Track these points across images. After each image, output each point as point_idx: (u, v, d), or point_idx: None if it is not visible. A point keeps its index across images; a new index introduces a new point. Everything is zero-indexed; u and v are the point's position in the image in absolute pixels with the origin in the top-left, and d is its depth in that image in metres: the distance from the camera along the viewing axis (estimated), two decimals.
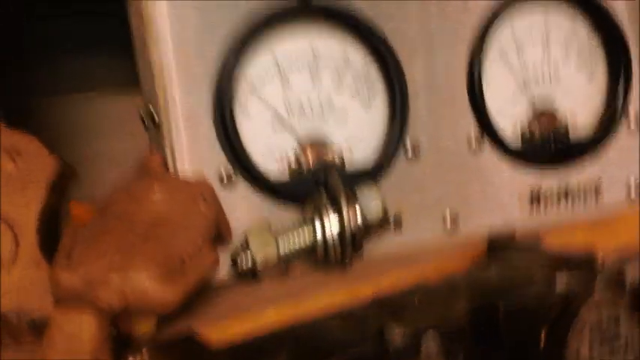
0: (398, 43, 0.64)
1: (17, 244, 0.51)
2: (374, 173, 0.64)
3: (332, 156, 0.64)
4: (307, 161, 0.64)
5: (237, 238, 0.60)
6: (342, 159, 0.65)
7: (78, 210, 0.54)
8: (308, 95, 0.64)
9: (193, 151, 0.60)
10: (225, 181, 0.60)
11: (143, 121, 0.68)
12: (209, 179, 0.59)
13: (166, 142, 0.58)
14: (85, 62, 0.95)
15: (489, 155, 0.67)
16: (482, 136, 0.67)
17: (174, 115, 0.59)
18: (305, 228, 0.58)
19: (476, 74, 0.66)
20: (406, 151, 0.65)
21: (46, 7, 0.93)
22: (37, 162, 0.55)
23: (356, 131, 0.65)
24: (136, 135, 0.87)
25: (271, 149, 0.63)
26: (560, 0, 0.69)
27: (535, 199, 0.67)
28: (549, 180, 0.68)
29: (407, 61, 0.65)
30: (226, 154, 0.61)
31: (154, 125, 0.62)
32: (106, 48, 0.94)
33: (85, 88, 0.96)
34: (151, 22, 0.56)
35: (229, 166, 0.61)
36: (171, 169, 0.58)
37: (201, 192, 0.53)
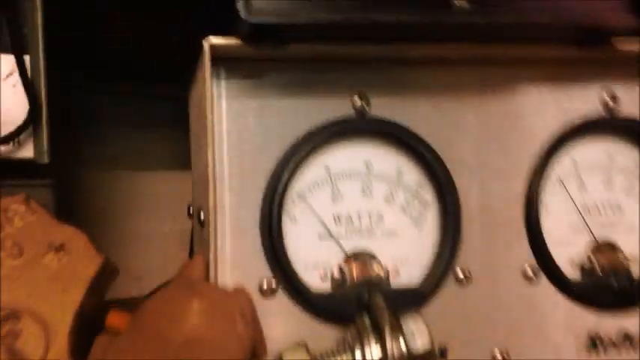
0: (454, 165, 0.63)
1: (47, 348, 0.49)
2: (420, 296, 0.61)
3: (377, 272, 0.62)
4: (351, 275, 0.61)
5: (272, 353, 0.57)
6: (387, 276, 0.62)
7: (114, 318, 0.52)
8: (358, 208, 0.62)
9: (236, 259, 0.58)
10: (266, 292, 0.58)
11: (189, 211, 0.67)
12: (249, 289, 0.57)
13: (210, 246, 0.56)
14: (137, 140, 0.96)
15: (545, 289, 0.63)
16: (538, 268, 0.63)
17: (222, 221, 0.58)
18: (344, 354, 0.55)
19: (534, 203, 0.64)
20: (456, 277, 0.62)
21: (106, 84, 0.95)
22: (81, 260, 0.54)
23: (404, 249, 0.63)
24: (176, 218, 0.86)
25: (315, 260, 0.61)
26: (622, 134, 0.66)
27: (593, 342, 0.63)
28: (610, 322, 0.64)
29: (462, 184, 0.63)
30: (269, 264, 0.59)
31: (199, 223, 0.61)
32: (159, 128, 0.95)
33: (133, 165, 0.96)
34: (209, 120, 0.56)
35: (271, 277, 0.59)
36: (212, 275, 0.56)
37: (241, 308, 0.51)
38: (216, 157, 0.58)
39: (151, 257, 0.96)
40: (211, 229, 0.56)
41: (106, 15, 0.72)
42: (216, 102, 0.58)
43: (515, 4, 0.54)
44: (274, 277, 0.59)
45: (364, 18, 0.49)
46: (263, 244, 0.59)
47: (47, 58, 0.59)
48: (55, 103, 0.61)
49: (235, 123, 0.59)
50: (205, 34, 0.55)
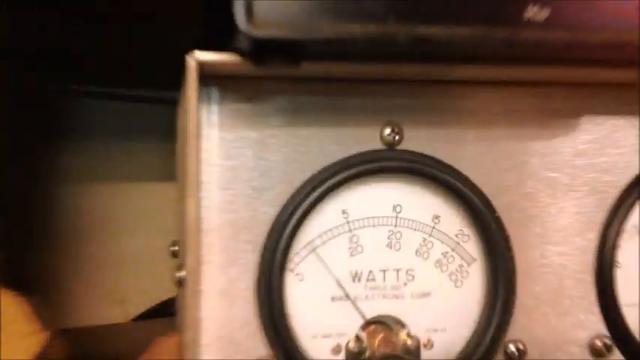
0: (507, 212, 0.49)
1: None
2: None
3: (405, 343, 0.49)
4: (372, 348, 0.48)
5: None
6: (418, 349, 0.49)
7: None
8: (382, 263, 0.49)
9: (225, 333, 0.45)
10: None
11: (172, 252, 0.54)
12: None
13: (189, 318, 0.43)
14: (121, 149, 0.83)
15: None
16: (611, 342, 0.50)
17: (207, 283, 0.45)
18: None
19: (608, 258, 0.50)
20: (506, 352, 0.49)
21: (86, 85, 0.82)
22: (20, 340, 0.41)
23: (440, 315, 0.50)
24: (165, 234, 0.73)
25: (326, 329, 0.48)
26: None
27: None
28: None
29: (517, 236, 0.49)
30: (267, 338, 0.46)
31: (179, 282, 0.48)
32: (146, 135, 0.82)
33: (117, 177, 0.84)
34: (192, 159, 0.43)
35: (269, 355, 0.46)
36: (189, 357, 0.44)
37: None
38: (204, 202, 0.44)
39: (137, 278, 0.84)
40: (191, 296, 0.43)
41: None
42: (206, 131, 0.45)
43: (598, 20, 0.39)
44: (274, 354, 0.46)
45: (409, 33, 0.35)
46: (259, 311, 0.46)
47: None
48: None
49: (229, 159, 0.45)
50: (193, 44, 0.41)
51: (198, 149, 0.43)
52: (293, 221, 0.46)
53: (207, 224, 0.45)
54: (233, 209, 0.45)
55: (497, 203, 0.49)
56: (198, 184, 0.43)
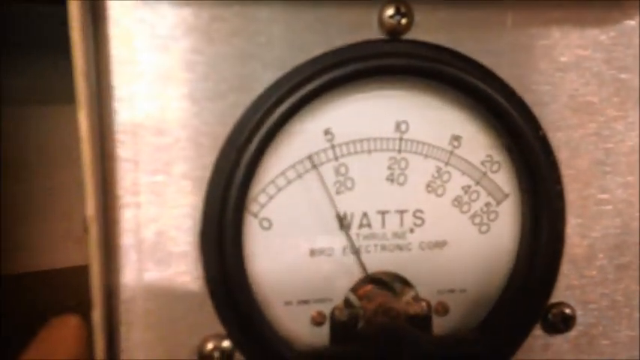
0: (558, 135, 0.35)
1: None
2: (484, 351, 0.35)
3: (412, 310, 0.36)
4: (367, 315, 0.36)
5: None
6: (429, 316, 0.37)
7: None
8: (380, 202, 0.35)
9: (156, 305, 0.32)
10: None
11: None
12: None
13: (96, 284, 0.30)
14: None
15: None
16: None
17: (128, 238, 0.31)
18: None
19: None
20: (548, 320, 0.36)
21: None
22: None
23: (457, 272, 0.37)
24: None
25: (304, 293, 0.35)
26: None
27: None
28: None
29: (570, 165, 0.35)
30: (218, 310, 0.33)
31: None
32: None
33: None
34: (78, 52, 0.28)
35: (222, 333, 0.33)
36: (98, 340, 0.31)
37: None
38: (117, 119, 0.30)
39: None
40: (96, 254, 0.29)
41: None
42: (113, 12, 0.30)
43: None
44: (227, 331, 0.33)
45: None
46: (206, 272, 0.32)
47: None
48: None
49: (153, 53, 0.30)
50: None
51: (82, 33, 0.28)
52: (253, 146, 0.32)
53: (124, 151, 0.30)
54: (162, 129, 0.31)
55: (542, 117, 0.35)
56: (89, 89, 0.28)
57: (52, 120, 0.71)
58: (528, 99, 0.35)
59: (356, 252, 0.36)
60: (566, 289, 0.36)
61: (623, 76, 0.35)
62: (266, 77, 0.32)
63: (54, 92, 0.70)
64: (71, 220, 0.73)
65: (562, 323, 0.37)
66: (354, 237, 0.36)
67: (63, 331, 0.29)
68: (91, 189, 0.28)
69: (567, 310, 0.37)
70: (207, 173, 0.32)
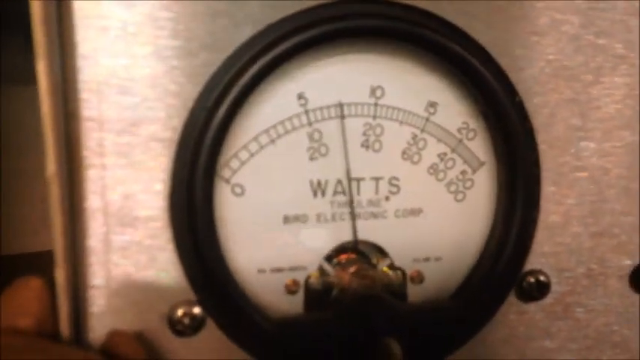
0: (534, 101, 0.34)
1: None
2: (459, 319, 0.35)
3: (385, 280, 0.35)
4: (341, 284, 0.35)
5: None
6: (404, 285, 0.37)
7: None
8: (355, 169, 0.34)
9: (123, 274, 0.31)
10: (182, 325, 0.32)
11: None
12: (151, 324, 0.31)
13: (59, 245, 0.29)
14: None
15: None
16: None
17: (94, 200, 0.30)
18: None
19: None
20: (523, 287, 0.36)
21: None
22: None
23: (433, 240, 0.37)
24: None
25: (276, 260, 0.35)
26: None
27: None
28: None
29: (545, 132, 0.35)
30: (189, 276, 0.32)
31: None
32: None
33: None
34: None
35: (192, 299, 0.32)
36: (63, 311, 0.30)
37: None
38: (80, 77, 0.29)
39: None
40: (55, 208, 0.28)
41: None
42: None
43: None
44: (198, 298, 0.32)
45: None
46: (176, 238, 0.31)
47: None
48: None
49: (116, 8, 0.29)
50: None
51: None
52: (223, 108, 0.31)
53: (88, 110, 0.29)
54: (128, 88, 0.30)
55: (519, 82, 0.35)
56: (48, 39, 0.27)
57: (26, 100, 0.70)
58: (504, 63, 0.34)
59: (331, 219, 0.35)
60: (541, 257, 0.36)
61: (600, 41, 0.35)
62: (238, 35, 0.31)
63: (26, 72, 0.68)
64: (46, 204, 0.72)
65: (537, 291, 0.36)
66: (328, 204, 0.35)
67: (25, 292, 0.28)
68: (52, 147, 0.27)
69: (542, 278, 0.36)
70: (176, 135, 0.31)
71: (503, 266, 0.36)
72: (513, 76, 0.35)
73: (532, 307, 0.37)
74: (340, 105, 0.35)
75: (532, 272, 0.36)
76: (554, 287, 0.37)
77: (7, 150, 0.69)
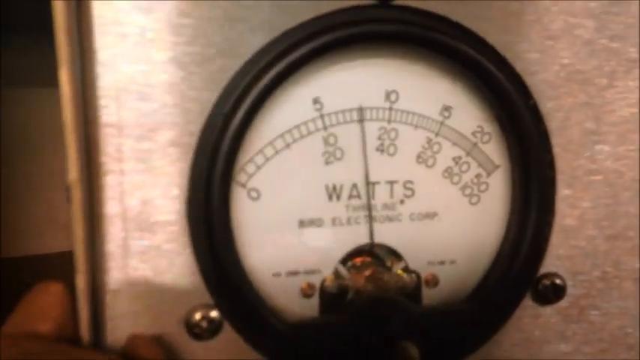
0: (549, 105, 0.34)
1: None
2: (474, 322, 0.35)
3: (400, 283, 0.36)
4: (356, 288, 0.36)
5: None
6: (419, 288, 0.36)
7: None
8: (370, 173, 0.34)
9: (141, 276, 0.31)
10: (200, 329, 0.32)
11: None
12: (170, 329, 0.31)
13: (80, 250, 0.30)
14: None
15: None
16: None
17: (113, 206, 0.30)
18: None
19: None
20: (538, 292, 0.36)
21: None
22: None
23: (447, 243, 0.37)
24: None
25: (292, 264, 0.35)
26: None
27: None
28: None
29: (560, 135, 0.35)
30: (206, 281, 0.32)
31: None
32: None
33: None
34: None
35: (210, 303, 0.32)
36: (83, 315, 0.30)
37: None
38: (100, 83, 0.29)
39: None
40: (77, 214, 0.29)
41: None
42: None
43: None
44: (215, 302, 0.32)
45: None
46: (193, 243, 0.32)
47: None
48: None
49: (135, 15, 0.30)
50: None
51: None
52: (240, 113, 0.32)
53: (107, 116, 0.30)
54: (147, 94, 0.30)
55: (533, 86, 0.35)
56: (71, 47, 0.28)
57: (29, 103, 0.70)
58: (519, 67, 0.34)
59: (346, 223, 0.35)
60: (556, 260, 0.36)
61: (614, 44, 0.35)
62: (254, 41, 0.31)
63: (40, 75, 0.68)
64: (58, 204, 0.72)
65: (552, 294, 0.37)
66: (343, 208, 0.35)
67: (46, 297, 0.28)
68: (74, 153, 0.27)
69: (557, 281, 0.36)
70: (193, 140, 0.31)
71: (518, 269, 0.36)
72: (527, 80, 0.35)
73: (547, 310, 0.37)
74: (355, 109, 0.35)
75: (547, 275, 0.36)
76: (570, 290, 0.37)
77: (10, 152, 0.69)
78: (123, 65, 0.30)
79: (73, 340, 0.30)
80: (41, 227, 0.74)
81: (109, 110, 0.30)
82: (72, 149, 0.27)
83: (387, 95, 0.35)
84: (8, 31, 0.66)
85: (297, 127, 0.34)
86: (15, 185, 0.72)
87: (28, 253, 0.73)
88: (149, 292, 0.31)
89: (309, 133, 0.34)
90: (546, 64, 0.35)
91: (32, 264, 0.71)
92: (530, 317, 0.36)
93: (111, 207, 0.30)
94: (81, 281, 0.29)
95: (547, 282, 0.36)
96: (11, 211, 0.73)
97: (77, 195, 0.28)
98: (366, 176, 0.35)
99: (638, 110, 0.36)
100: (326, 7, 0.32)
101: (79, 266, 0.29)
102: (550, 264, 0.36)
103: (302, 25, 0.32)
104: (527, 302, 0.36)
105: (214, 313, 0.32)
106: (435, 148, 0.36)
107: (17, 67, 0.66)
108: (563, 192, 0.36)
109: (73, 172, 0.27)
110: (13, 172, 0.71)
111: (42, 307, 0.28)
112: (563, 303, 0.37)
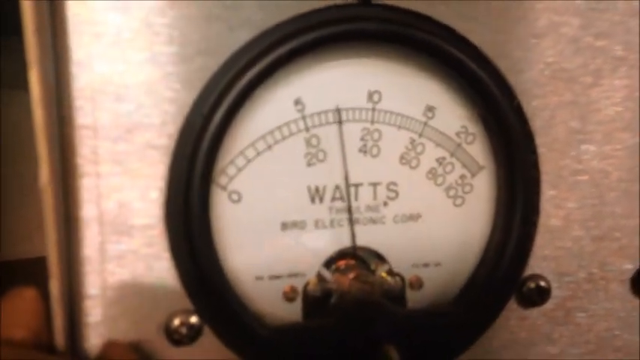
0: (533, 104, 0.34)
1: None
2: (460, 325, 0.35)
3: (384, 286, 0.35)
4: (340, 290, 0.35)
5: None
6: (402, 293, 0.36)
7: None
8: (353, 174, 0.34)
9: (119, 282, 0.31)
10: (179, 334, 0.31)
11: None
12: (148, 336, 0.30)
13: (53, 255, 0.29)
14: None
15: None
16: None
17: (89, 209, 0.30)
18: None
19: None
20: (523, 293, 0.36)
21: None
22: None
23: (432, 245, 0.37)
24: None
25: (275, 267, 0.34)
26: None
27: None
28: None
29: (545, 135, 0.34)
30: (186, 285, 0.32)
31: None
32: None
33: None
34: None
35: (190, 308, 0.32)
36: (57, 323, 0.29)
37: None
38: (74, 84, 0.29)
39: None
40: (48, 217, 0.28)
41: None
42: None
43: None
44: (195, 307, 0.31)
45: None
46: (172, 247, 0.31)
47: None
48: None
49: (110, 13, 0.29)
50: None
51: None
52: (219, 114, 0.31)
53: (83, 118, 0.29)
54: (123, 95, 0.30)
55: (518, 85, 0.34)
56: (41, 47, 0.27)
57: (24, 105, 0.69)
58: (503, 66, 0.34)
59: (329, 225, 0.35)
60: (541, 261, 0.36)
61: (599, 42, 0.35)
62: (233, 40, 0.31)
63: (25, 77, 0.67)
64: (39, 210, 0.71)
65: (537, 296, 0.36)
66: (326, 210, 0.35)
67: (19, 303, 0.28)
68: (45, 156, 0.27)
69: (542, 283, 0.36)
70: (172, 142, 0.31)
71: (503, 271, 0.35)
72: (512, 79, 0.34)
73: (533, 312, 0.36)
74: (338, 110, 0.34)
75: (532, 277, 0.36)
76: (555, 292, 0.36)
77: (3, 155, 0.68)
78: (99, 65, 0.29)
79: (49, 347, 0.29)
80: (32, 231, 0.73)
81: (85, 111, 0.29)
82: (43, 152, 0.27)
83: (370, 95, 0.34)
84: (7, 32, 0.65)
85: (279, 128, 0.33)
86: (7, 188, 0.71)
87: (21, 256, 0.72)
88: (127, 298, 0.31)
89: (291, 134, 0.34)
90: (531, 62, 0.34)
91: (24, 268, 0.71)
92: (516, 320, 0.36)
93: (87, 210, 0.30)
94: (55, 287, 0.28)
95: (532, 284, 0.36)
96: (4, 214, 0.72)
97: (49, 199, 0.27)
98: (348, 178, 0.34)
99: (623, 109, 0.36)
100: (306, 6, 0.31)
101: (52, 271, 0.28)
102: (535, 265, 0.36)
103: (282, 24, 0.31)
104: (513, 304, 0.36)
105: (194, 319, 0.32)
106: (419, 149, 0.35)
107: (15, 68, 0.65)
108: (548, 192, 0.36)
109: (45, 175, 0.27)
110: (6, 174, 0.70)
111: (16, 314, 0.27)
112: (549, 305, 0.36)
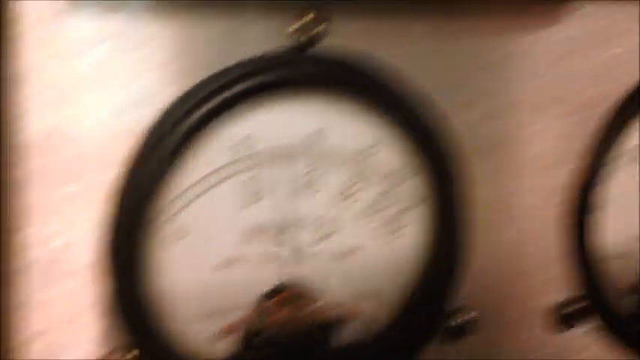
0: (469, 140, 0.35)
1: None
2: (394, 354, 0.37)
3: (321, 319, 0.36)
4: (277, 324, 0.35)
5: None
6: (339, 323, 0.37)
7: None
8: (292, 212, 0.35)
9: (58, 322, 0.31)
10: None
11: None
12: None
13: None
14: None
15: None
16: (587, 306, 0.39)
17: (34, 255, 0.30)
18: None
19: (587, 203, 0.38)
20: (451, 323, 0.37)
21: None
22: None
23: (369, 277, 0.38)
24: None
25: (213, 304, 0.35)
26: None
27: None
28: None
29: (478, 170, 0.36)
30: (126, 323, 0.32)
31: None
32: None
33: None
34: None
35: (130, 346, 0.32)
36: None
37: None
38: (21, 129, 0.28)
39: None
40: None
41: None
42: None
43: None
44: (134, 343, 0.32)
45: None
46: (113, 283, 0.31)
47: None
48: None
49: (64, 59, 0.29)
50: None
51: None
52: (162, 159, 0.31)
53: (28, 162, 0.29)
54: (69, 140, 0.29)
55: (456, 122, 0.36)
56: None
57: None
58: (444, 105, 0.35)
59: (268, 261, 0.36)
60: (468, 294, 0.38)
61: (534, 82, 0.36)
62: (175, 88, 0.31)
63: None
64: None
65: (464, 327, 0.38)
66: (266, 246, 0.35)
67: None
68: None
69: (469, 315, 0.38)
70: (116, 184, 0.31)
71: (432, 302, 0.37)
72: (451, 117, 0.35)
73: (461, 342, 0.38)
74: (282, 147, 0.35)
75: (460, 310, 0.38)
76: (481, 325, 0.38)
77: None
78: (44, 112, 0.29)
79: None
80: None
81: (31, 156, 0.29)
82: None
83: (314, 133, 0.35)
84: None
85: (223, 167, 0.34)
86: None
87: None
88: (65, 338, 0.31)
89: (235, 173, 0.34)
90: (469, 100, 0.36)
91: None
92: (444, 350, 0.38)
93: (30, 251, 0.29)
94: None
95: (459, 316, 0.38)
96: None
97: None
98: (289, 215, 0.35)
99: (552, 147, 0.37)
100: (245, 54, 0.32)
101: None
102: (463, 298, 0.38)
103: (224, 72, 0.31)
104: (441, 335, 0.38)
105: (132, 355, 0.32)
106: (359, 185, 0.36)
107: None
108: (477, 226, 0.37)
109: None
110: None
111: None
112: (476, 336, 0.38)
